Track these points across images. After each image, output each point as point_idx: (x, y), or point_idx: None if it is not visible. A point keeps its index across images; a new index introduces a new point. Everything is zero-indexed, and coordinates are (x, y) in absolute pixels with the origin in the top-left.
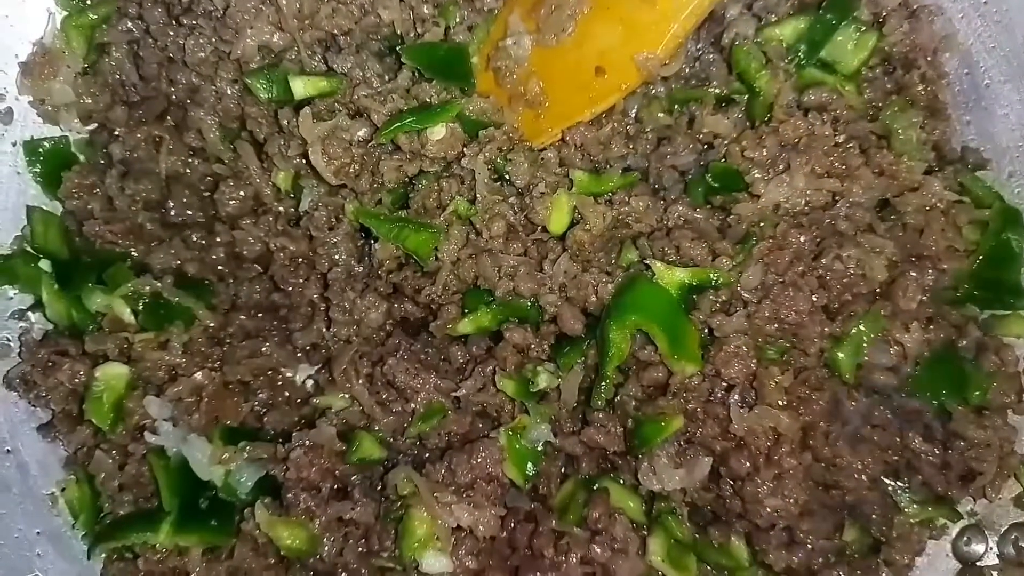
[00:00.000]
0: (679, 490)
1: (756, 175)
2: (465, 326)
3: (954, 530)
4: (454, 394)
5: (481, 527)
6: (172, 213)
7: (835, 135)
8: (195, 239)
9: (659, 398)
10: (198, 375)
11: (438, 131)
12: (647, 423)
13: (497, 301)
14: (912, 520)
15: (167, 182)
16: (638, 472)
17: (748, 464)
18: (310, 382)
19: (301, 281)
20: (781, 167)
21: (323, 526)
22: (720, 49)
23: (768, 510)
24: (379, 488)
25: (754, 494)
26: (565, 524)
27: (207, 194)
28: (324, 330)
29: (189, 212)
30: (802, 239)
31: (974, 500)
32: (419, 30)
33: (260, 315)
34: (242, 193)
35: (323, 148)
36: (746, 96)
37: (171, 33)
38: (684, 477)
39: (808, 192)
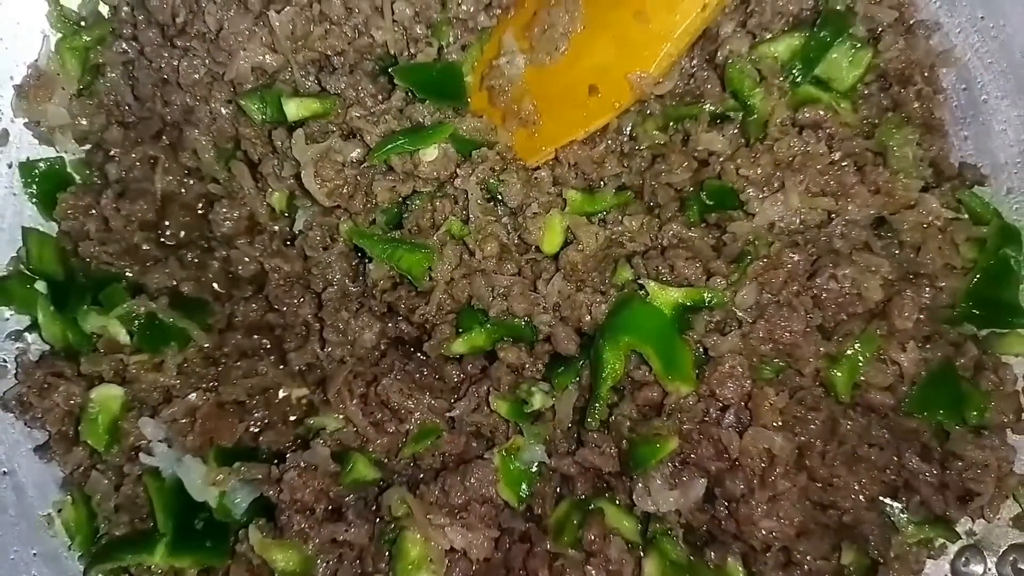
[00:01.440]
0: (674, 511)
1: (751, 193)
2: (459, 346)
3: (952, 550)
4: (448, 414)
5: (475, 549)
6: (167, 233)
7: (830, 153)
8: (190, 259)
9: (654, 418)
10: (192, 396)
11: (430, 152)
12: (642, 444)
13: (491, 321)
14: (910, 540)
15: (162, 202)
16: (633, 493)
17: (743, 485)
18: (304, 400)
19: (296, 301)
20: (776, 185)
21: (317, 548)
22: (714, 66)
23: (763, 532)
24: (373, 509)
25: (748, 516)
26: (560, 545)
27: (202, 214)
28: (319, 350)
29: (184, 232)
30: (797, 258)
31: (972, 520)
32: (412, 50)
33: (255, 335)
34: (237, 213)
35: (316, 170)
36: (741, 113)
37: (165, 55)
38: (679, 498)
39: (803, 210)
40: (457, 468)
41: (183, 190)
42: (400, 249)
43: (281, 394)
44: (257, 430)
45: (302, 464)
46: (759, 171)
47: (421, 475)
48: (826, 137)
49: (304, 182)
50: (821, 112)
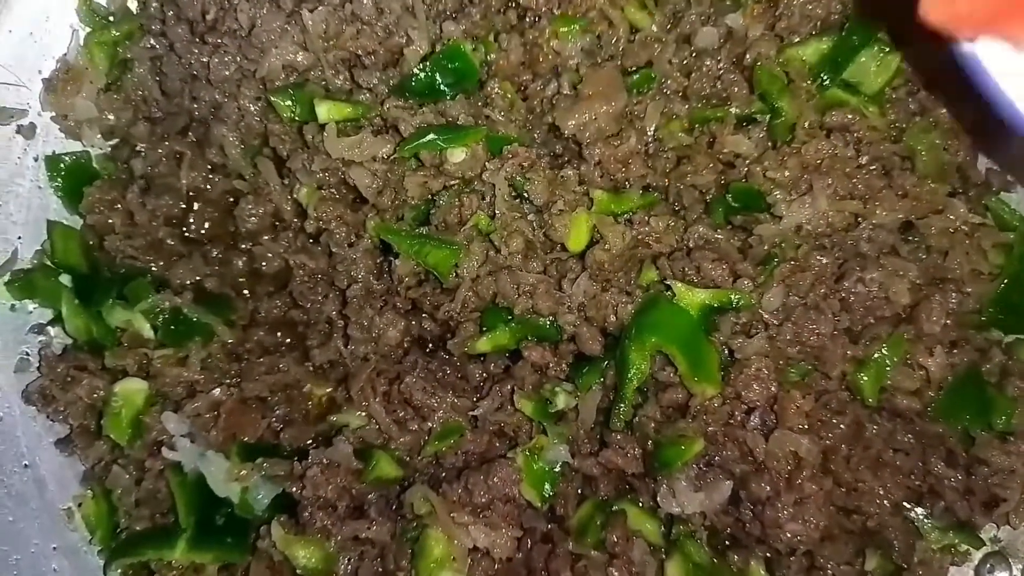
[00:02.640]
0: (698, 513)
1: (778, 196)
2: (483, 344)
3: (977, 557)
4: (471, 413)
5: (497, 548)
6: (192, 228)
7: (858, 157)
8: (215, 255)
9: (679, 420)
10: (216, 391)
11: (457, 154)
12: (667, 446)
13: (516, 319)
14: (934, 546)
15: (188, 198)
16: (657, 494)
17: (768, 488)
18: (326, 398)
19: (320, 298)
20: (803, 188)
21: (339, 545)
22: (742, 69)
23: (788, 535)
24: (395, 507)
25: (774, 519)
26: (582, 546)
27: (228, 210)
28: (342, 347)
29: (209, 227)
30: (824, 261)
31: (997, 527)
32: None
33: (279, 331)
34: (262, 209)
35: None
36: (768, 115)
37: (195, 51)
38: (704, 500)
39: (830, 214)
40: (480, 467)
41: (208, 186)
42: (428, 245)
43: (303, 391)
44: (279, 426)
45: (325, 461)
46: (786, 174)
47: (443, 473)
48: (854, 141)
49: (354, 176)
50: (849, 116)
